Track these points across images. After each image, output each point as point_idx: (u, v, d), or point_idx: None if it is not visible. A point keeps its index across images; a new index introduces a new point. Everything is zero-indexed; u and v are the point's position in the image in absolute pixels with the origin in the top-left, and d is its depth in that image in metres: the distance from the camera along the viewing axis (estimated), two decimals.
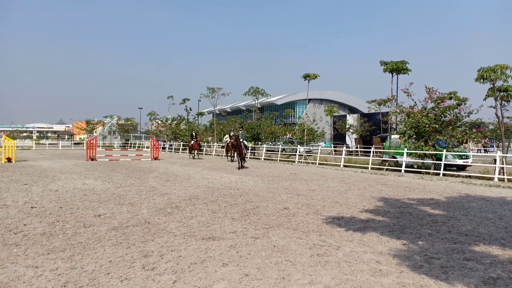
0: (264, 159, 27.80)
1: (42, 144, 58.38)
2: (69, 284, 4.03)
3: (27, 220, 7.00)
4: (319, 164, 23.05)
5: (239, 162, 18.90)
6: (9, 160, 22.07)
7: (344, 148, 26.09)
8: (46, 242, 5.56)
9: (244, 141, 19.17)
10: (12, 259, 4.80)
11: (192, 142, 29.39)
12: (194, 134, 31.19)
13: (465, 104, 16.67)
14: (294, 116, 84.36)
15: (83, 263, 4.68)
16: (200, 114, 55.84)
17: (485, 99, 16.56)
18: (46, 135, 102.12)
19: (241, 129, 21.22)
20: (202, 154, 33.67)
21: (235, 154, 18.89)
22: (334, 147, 37.39)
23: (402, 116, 18.76)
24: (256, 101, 41.15)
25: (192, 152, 29.68)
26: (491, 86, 16.01)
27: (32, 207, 8.25)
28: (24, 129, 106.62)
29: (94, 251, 5.16)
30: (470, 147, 20.67)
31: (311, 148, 33.00)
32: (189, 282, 4.12)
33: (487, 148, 34.19)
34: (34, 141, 60.66)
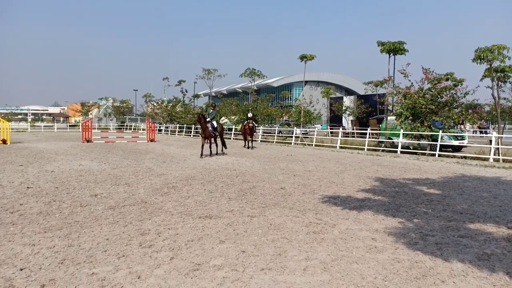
0: (261, 141, 27.80)
1: (37, 126, 57.96)
2: (66, 261, 4.04)
3: (23, 200, 6.99)
4: (316, 145, 23.09)
5: (202, 147, 15.80)
6: (4, 142, 21.96)
7: (341, 129, 26.08)
8: (43, 221, 5.56)
9: (214, 122, 16.22)
10: (8, 237, 4.80)
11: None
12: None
13: (461, 85, 16.67)
14: (290, 98, 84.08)
15: (80, 241, 4.69)
16: (196, 96, 55.49)
17: (481, 79, 16.53)
18: (41, 118, 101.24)
19: (212, 108, 17.98)
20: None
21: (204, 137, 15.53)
22: (331, 129, 37.37)
23: (398, 97, 18.73)
24: (253, 83, 40.86)
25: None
26: (488, 66, 15.93)
27: (28, 187, 8.23)
28: (18, 111, 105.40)
29: (91, 229, 5.17)
30: (467, 129, 20.72)
31: (308, 130, 33.00)
32: (186, 258, 4.14)
33: (483, 130, 34.21)
34: (29, 123, 60.16)
